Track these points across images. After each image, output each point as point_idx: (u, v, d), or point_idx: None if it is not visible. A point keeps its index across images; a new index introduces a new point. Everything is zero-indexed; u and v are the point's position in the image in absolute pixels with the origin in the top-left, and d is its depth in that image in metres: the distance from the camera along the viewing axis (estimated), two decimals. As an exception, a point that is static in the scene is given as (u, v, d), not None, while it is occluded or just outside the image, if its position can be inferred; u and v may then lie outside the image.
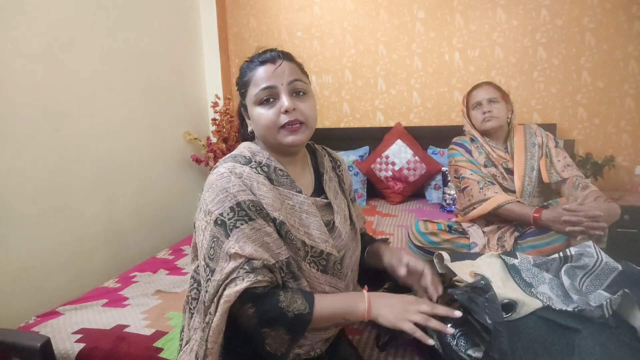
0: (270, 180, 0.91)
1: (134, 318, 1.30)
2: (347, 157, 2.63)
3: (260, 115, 0.90)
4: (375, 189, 2.62)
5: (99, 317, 1.31)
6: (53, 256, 1.70)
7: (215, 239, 0.82)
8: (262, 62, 0.92)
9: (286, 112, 0.89)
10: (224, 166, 0.89)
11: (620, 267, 0.93)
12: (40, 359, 0.98)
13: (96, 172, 1.92)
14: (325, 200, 0.99)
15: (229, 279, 0.79)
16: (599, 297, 0.91)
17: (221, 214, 0.82)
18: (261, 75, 0.90)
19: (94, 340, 1.16)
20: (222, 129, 2.66)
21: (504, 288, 0.92)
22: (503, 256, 1.03)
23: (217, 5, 2.80)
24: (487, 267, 0.99)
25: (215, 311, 0.79)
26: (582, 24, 2.34)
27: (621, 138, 2.38)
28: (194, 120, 2.73)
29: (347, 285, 0.97)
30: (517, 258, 1.03)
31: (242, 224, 0.82)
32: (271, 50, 0.95)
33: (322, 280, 0.90)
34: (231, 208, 0.82)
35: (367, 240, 1.14)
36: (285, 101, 0.88)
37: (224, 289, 0.78)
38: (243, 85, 0.95)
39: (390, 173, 2.50)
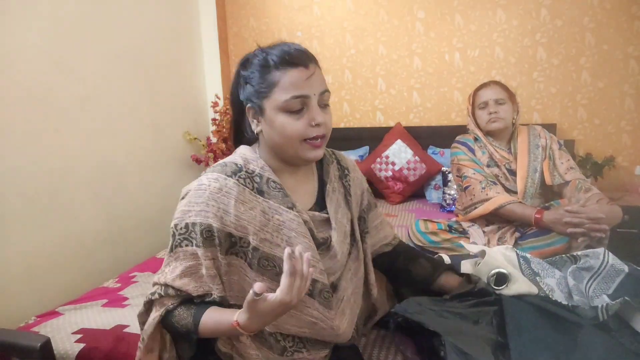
0: (261, 193, 0.85)
1: (134, 318, 1.28)
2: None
3: (286, 125, 0.82)
4: (375, 189, 2.61)
5: (99, 317, 1.30)
6: (53, 256, 1.69)
7: (169, 244, 0.86)
8: (293, 64, 0.81)
9: (317, 125, 0.83)
10: (207, 176, 0.85)
11: (626, 269, 0.92)
12: (40, 359, 0.98)
13: (96, 172, 1.92)
14: (325, 215, 0.93)
15: (152, 296, 0.85)
16: (603, 302, 0.91)
17: (176, 226, 0.84)
18: (293, 80, 0.81)
19: (94, 340, 1.16)
20: (222, 129, 2.65)
21: (504, 263, 0.95)
22: (517, 249, 1.06)
23: (217, 5, 2.80)
24: (499, 253, 1.02)
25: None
26: (582, 24, 2.34)
27: (621, 138, 2.38)
28: (194, 120, 2.73)
29: (339, 326, 0.89)
30: (528, 256, 1.06)
31: (186, 245, 0.83)
32: (298, 48, 0.84)
33: (310, 304, 0.86)
34: (186, 225, 0.82)
35: (428, 268, 1.06)
36: (317, 115, 0.83)
37: (150, 308, 0.88)
38: (266, 85, 0.83)
39: (390, 173, 2.50)
